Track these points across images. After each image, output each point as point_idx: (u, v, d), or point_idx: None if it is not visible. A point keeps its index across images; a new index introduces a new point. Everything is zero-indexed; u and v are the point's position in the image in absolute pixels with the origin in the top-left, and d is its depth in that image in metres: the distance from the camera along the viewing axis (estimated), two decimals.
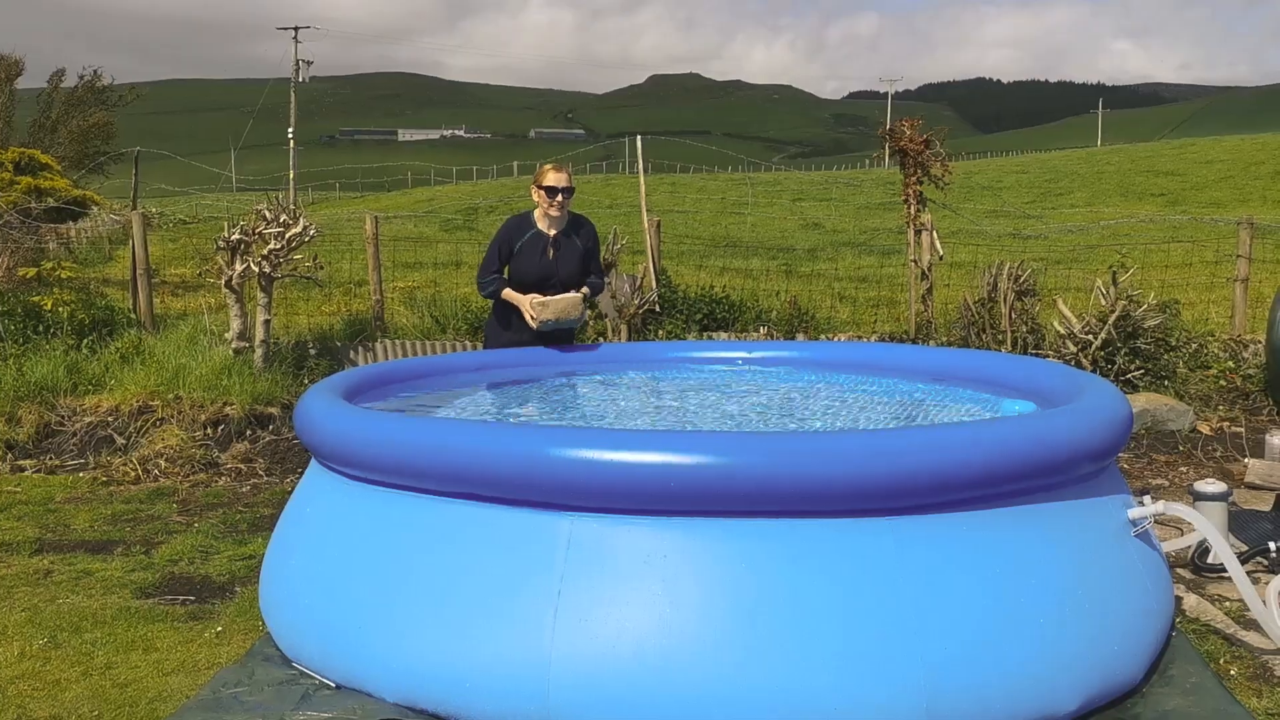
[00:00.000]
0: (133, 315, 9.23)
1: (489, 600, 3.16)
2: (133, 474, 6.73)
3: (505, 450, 3.20)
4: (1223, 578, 4.64)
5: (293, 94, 60.53)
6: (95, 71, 25.54)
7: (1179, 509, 3.65)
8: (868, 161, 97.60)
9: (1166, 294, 9.03)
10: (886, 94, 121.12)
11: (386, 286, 14.98)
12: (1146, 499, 3.69)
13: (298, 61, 59.16)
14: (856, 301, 12.25)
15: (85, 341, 8.74)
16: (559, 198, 5.45)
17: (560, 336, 5.64)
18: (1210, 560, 4.68)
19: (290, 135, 59.11)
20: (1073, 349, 7.35)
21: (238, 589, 4.58)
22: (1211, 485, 4.74)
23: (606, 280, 8.70)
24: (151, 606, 4.37)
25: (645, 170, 9.79)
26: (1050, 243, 21.69)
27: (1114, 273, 7.50)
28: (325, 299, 13.28)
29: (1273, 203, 37.94)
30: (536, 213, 5.57)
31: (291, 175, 57.23)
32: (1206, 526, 3.65)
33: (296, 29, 59.72)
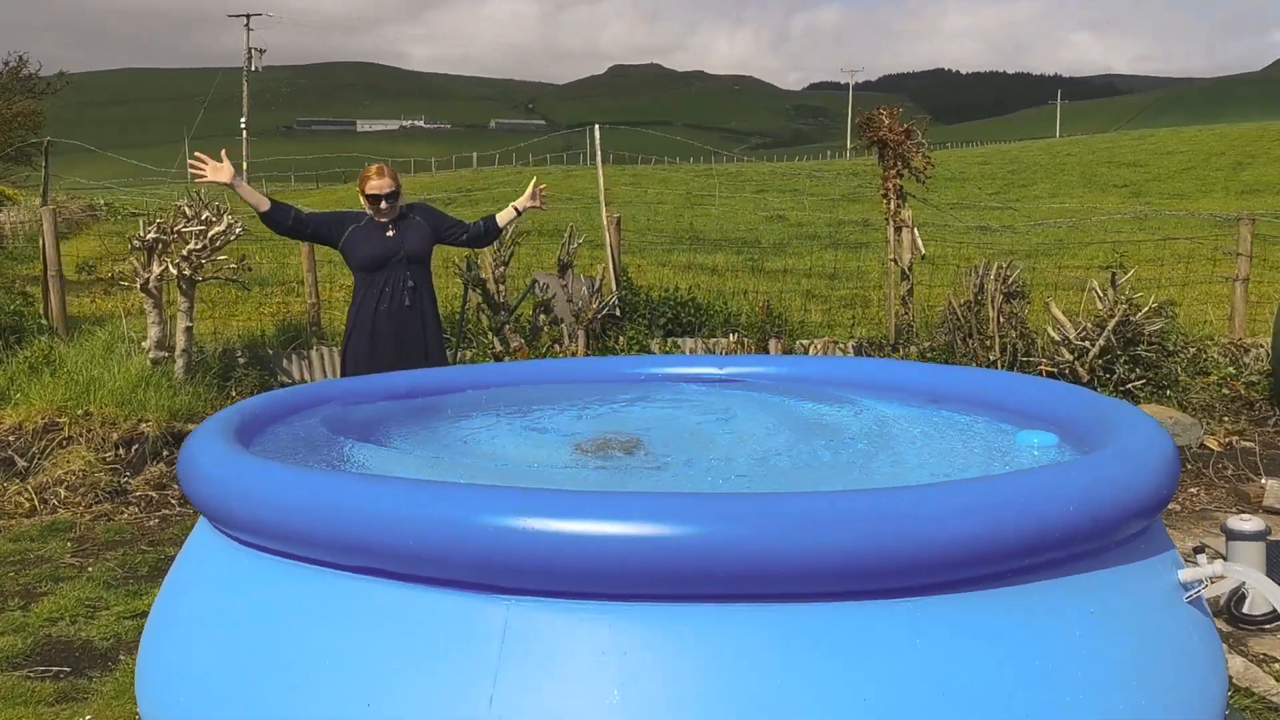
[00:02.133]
0: (44, 321, 8.44)
1: (406, 704, 2.50)
2: (27, 504, 5.99)
3: (423, 516, 2.53)
4: (1265, 631, 4.07)
5: (245, 83, 59.23)
6: (20, 57, 24.37)
7: (1241, 572, 3.05)
8: (830, 152, 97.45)
9: (1146, 292, 8.49)
10: (848, 85, 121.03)
11: (333, 285, 14.23)
12: (1201, 558, 3.09)
13: (249, 50, 57.89)
14: (829, 300, 11.65)
15: None
16: (383, 204, 4.99)
17: (418, 351, 5.03)
18: (1247, 610, 4.11)
19: (243, 125, 57.82)
20: (1068, 357, 6.78)
21: (121, 657, 3.89)
22: (1247, 522, 4.17)
23: (563, 283, 8.04)
24: (15, 683, 3.67)
25: (605, 161, 9.15)
26: (1020, 236, 21.26)
27: (1113, 274, 6.92)
28: (264, 299, 12.52)
29: (1235, 193, 37.84)
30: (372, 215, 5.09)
31: (244, 166, 56.00)
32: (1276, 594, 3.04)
33: (248, 16, 58.42)
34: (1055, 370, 6.92)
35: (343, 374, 5.20)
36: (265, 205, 4.95)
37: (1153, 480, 2.88)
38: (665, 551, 2.36)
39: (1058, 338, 6.87)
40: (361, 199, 5.04)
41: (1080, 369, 6.72)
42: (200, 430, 3.33)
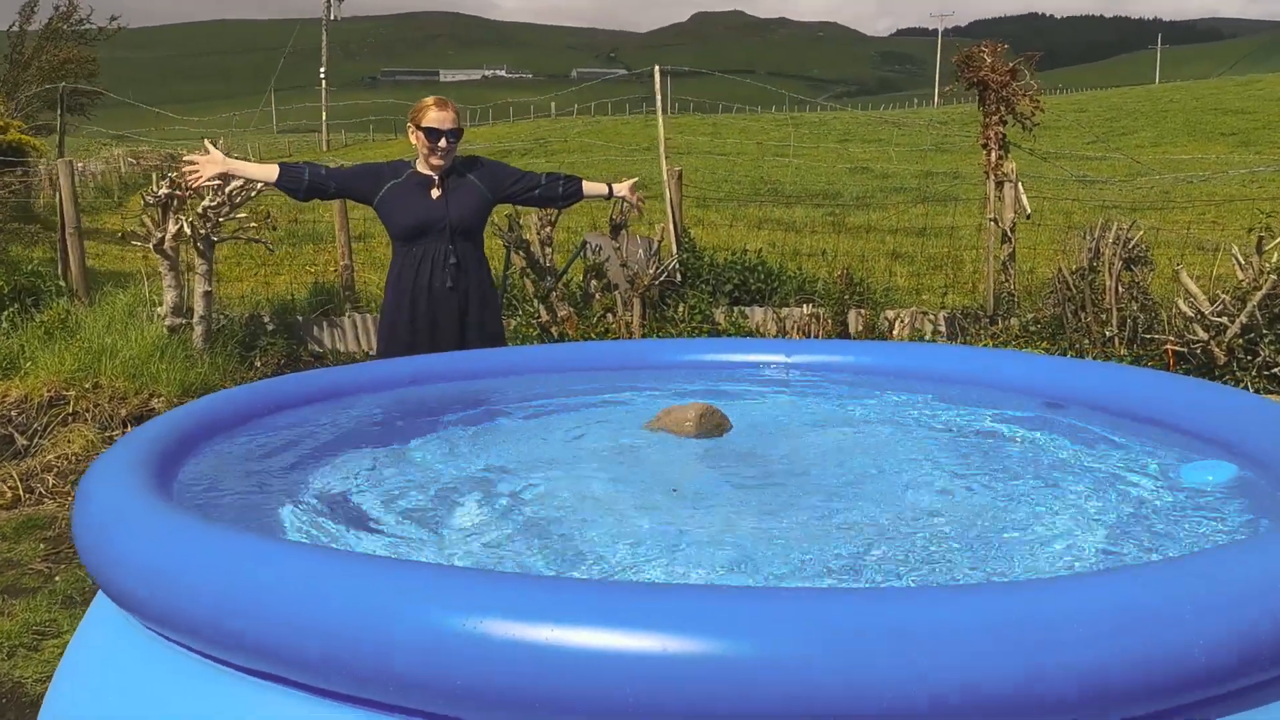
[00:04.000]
0: (61, 283, 7.87)
1: None
2: (10, 494, 5.37)
3: (332, 610, 1.75)
4: None
5: (324, 33, 58.98)
6: (71, 2, 23.83)
7: None
8: (917, 100, 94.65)
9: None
10: (936, 31, 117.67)
11: (384, 240, 13.58)
12: None
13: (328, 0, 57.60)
14: (916, 261, 10.66)
15: (6, 314, 7.43)
16: (442, 143, 4.06)
17: (463, 338, 4.23)
18: None
19: (322, 75, 57.52)
20: (1202, 335, 5.79)
21: None
22: None
23: (617, 245, 7.22)
24: None
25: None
26: (1126, 190, 19.86)
27: (1260, 238, 5.91)
28: (314, 257, 11.89)
29: None
30: (418, 161, 4.19)
31: (324, 116, 55.78)
32: None
33: None
34: (1184, 350, 5.95)
35: (379, 356, 4.43)
36: (273, 175, 4.14)
37: None
38: (685, 681, 1.56)
39: (1190, 312, 5.88)
40: (414, 137, 4.12)
41: (1216, 349, 5.74)
42: (104, 459, 2.58)
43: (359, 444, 2.99)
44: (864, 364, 4.03)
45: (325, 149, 49.92)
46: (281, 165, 4.19)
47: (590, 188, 4.43)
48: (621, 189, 4.46)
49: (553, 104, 67.84)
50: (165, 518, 2.12)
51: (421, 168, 4.16)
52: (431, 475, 2.74)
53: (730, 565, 2.07)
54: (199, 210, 6.65)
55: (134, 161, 32.49)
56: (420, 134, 4.09)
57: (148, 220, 6.77)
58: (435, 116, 4.06)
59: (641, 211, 4.66)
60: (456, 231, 4.12)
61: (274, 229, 7.17)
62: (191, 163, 4.12)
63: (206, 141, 4.32)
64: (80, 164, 27.39)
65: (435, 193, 4.12)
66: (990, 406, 3.40)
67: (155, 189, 6.67)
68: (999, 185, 7.25)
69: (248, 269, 11.39)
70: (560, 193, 4.35)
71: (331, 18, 58.73)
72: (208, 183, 4.26)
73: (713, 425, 3.11)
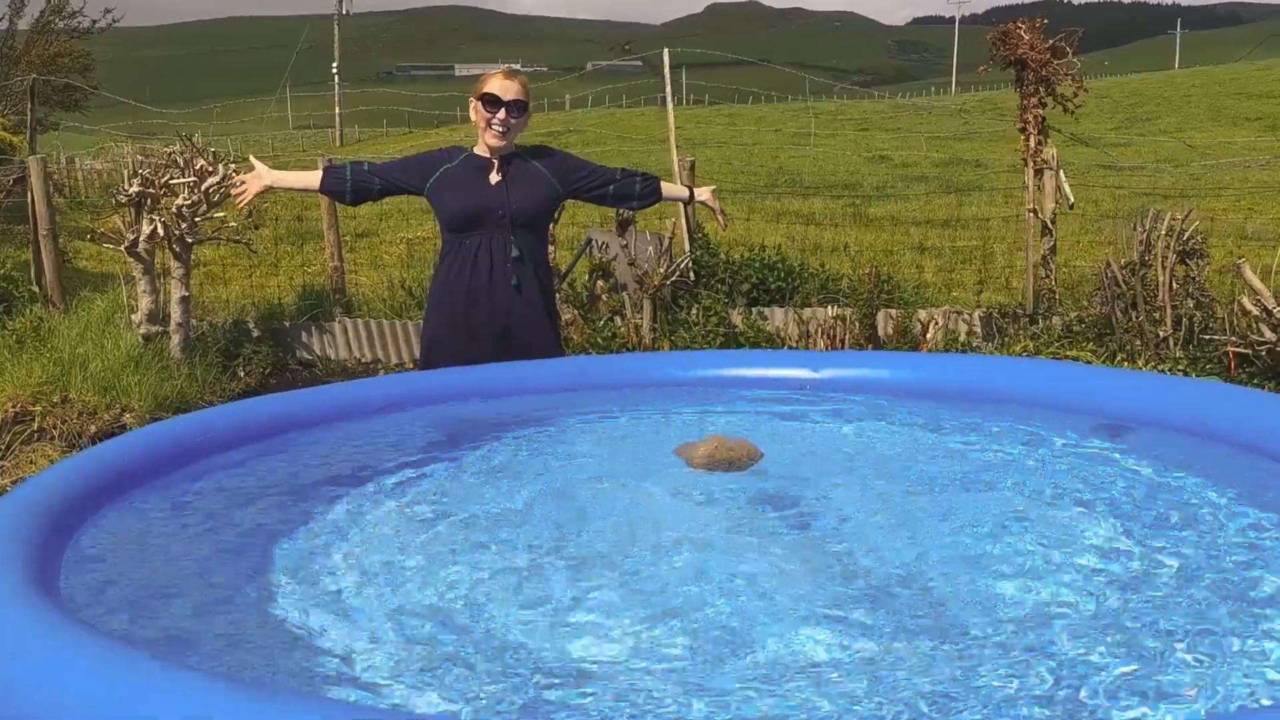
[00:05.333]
0: (35, 288, 7.41)
1: None
2: None
3: None
4: None
5: (336, 27, 58.64)
6: None
7: None
8: (934, 89, 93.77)
9: None
10: (953, 19, 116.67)
11: (387, 239, 13.12)
12: None
13: None
14: (943, 254, 10.11)
15: None
16: (501, 114, 3.56)
17: (523, 344, 3.71)
18: None
19: (335, 70, 57.18)
20: (1269, 336, 5.25)
21: None
22: None
23: (624, 242, 6.71)
24: None
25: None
26: (1157, 176, 19.23)
27: None
28: (317, 253, 11.40)
29: None
30: (477, 144, 3.71)
31: (337, 111, 55.46)
32: None
33: None
34: (1248, 352, 5.41)
35: (421, 364, 3.94)
36: (317, 181, 3.78)
37: None
38: None
39: (1255, 310, 5.34)
40: (473, 112, 3.65)
41: None
42: None
43: (304, 493, 2.49)
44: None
45: (339, 144, 49.61)
46: (325, 170, 3.81)
47: (669, 190, 4.04)
48: (703, 194, 4.08)
49: (567, 96, 67.31)
50: (29, 625, 1.63)
51: (480, 150, 3.68)
52: (404, 533, 2.23)
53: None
54: (173, 209, 6.17)
55: (142, 159, 32.11)
56: (479, 104, 3.61)
57: (119, 220, 6.30)
58: (498, 84, 3.60)
59: (726, 220, 4.23)
60: (519, 222, 3.62)
61: (256, 227, 6.68)
62: (241, 182, 3.77)
63: (252, 157, 3.97)
64: (89, 161, 27.09)
65: (494, 177, 3.63)
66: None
67: (126, 187, 6.20)
68: (1038, 173, 6.69)
69: (243, 269, 10.93)
70: (637, 191, 3.89)
71: (344, 12, 58.42)
72: (254, 199, 3.85)
73: (732, 459, 2.64)
